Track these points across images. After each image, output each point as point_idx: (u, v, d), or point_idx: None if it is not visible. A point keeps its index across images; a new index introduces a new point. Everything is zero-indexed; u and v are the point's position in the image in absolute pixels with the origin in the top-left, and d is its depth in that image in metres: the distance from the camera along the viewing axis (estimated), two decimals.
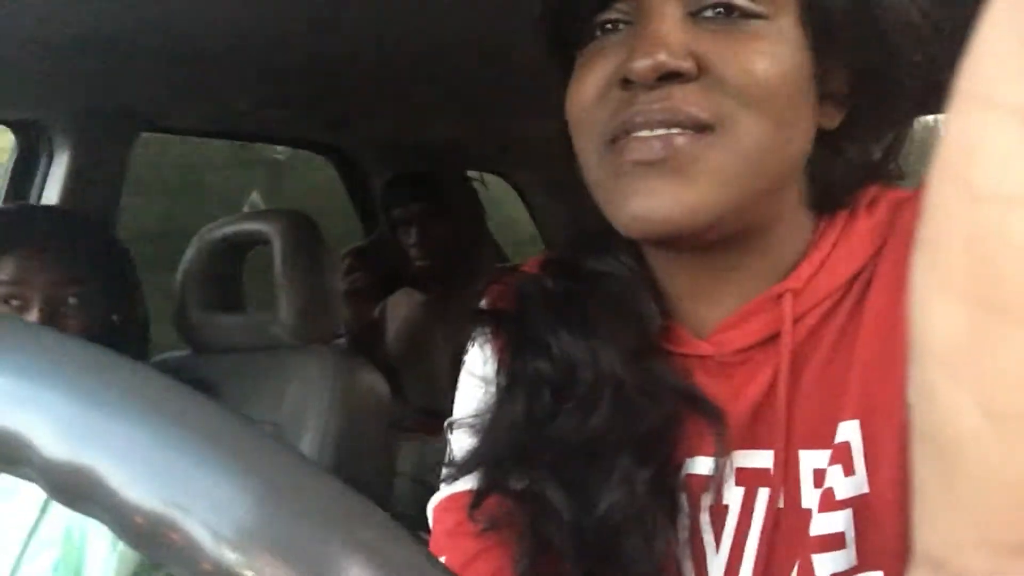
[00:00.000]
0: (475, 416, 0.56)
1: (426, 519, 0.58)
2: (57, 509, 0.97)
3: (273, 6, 1.07)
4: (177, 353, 1.54)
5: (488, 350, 0.59)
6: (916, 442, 0.17)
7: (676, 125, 0.46)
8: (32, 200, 1.49)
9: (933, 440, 0.17)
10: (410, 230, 1.82)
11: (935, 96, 0.50)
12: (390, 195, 1.88)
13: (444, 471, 0.57)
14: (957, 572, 0.17)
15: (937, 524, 0.17)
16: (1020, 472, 0.15)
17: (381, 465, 1.49)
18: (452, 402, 0.61)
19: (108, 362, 0.21)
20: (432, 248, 1.81)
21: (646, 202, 0.47)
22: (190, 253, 1.49)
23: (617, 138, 0.48)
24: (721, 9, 0.47)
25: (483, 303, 0.60)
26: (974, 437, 0.16)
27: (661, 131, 0.46)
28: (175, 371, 1.43)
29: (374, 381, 1.49)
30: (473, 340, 0.60)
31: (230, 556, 0.18)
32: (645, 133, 0.47)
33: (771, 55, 0.46)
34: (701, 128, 0.46)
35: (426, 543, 0.20)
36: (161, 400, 0.20)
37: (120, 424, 0.19)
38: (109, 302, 1.19)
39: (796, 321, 0.50)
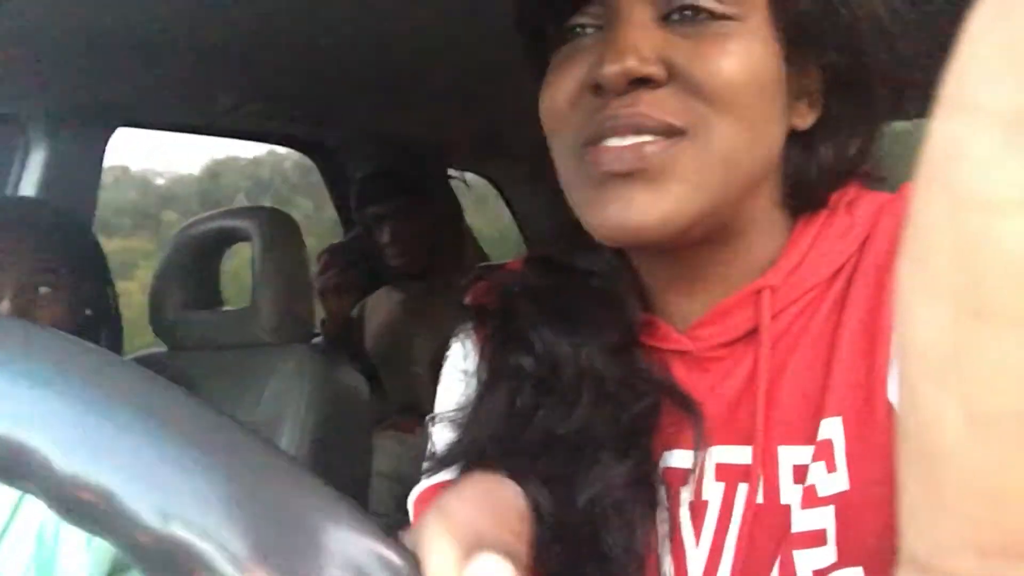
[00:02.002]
0: (457, 410, 0.57)
1: (404, 518, 0.58)
2: (29, 508, 0.96)
3: (254, 1, 1.06)
4: (153, 350, 1.53)
5: (471, 345, 0.59)
6: (900, 444, 0.17)
7: (647, 131, 0.47)
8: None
9: (917, 442, 0.17)
10: (384, 228, 1.80)
11: (909, 97, 0.51)
12: (364, 193, 1.86)
13: (425, 464, 0.57)
14: (943, 574, 0.17)
15: (922, 526, 0.17)
16: (1003, 475, 0.15)
17: (358, 463, 1.48)
18: (431, 400, 0.61)
19: (44, 339, 0.20)
20: (406, 246, 1.80)
21: (620, 211, 0.47)
22: (168, 249, 1.48)
23: (589, 143, 0.48)
24: (690, 11, 0.47)
25: (467, 299, 0.61)
26: (957, 440, 0.16)
27: (632, 138, 0.47)
28: (151, 368, 1.41)
29: (352, 379, 1.49)
30: (456, 335, 0.61)
31: (171, 529, 0.18)
32: (616, 141, 0.47)
33: (741, 56, 0.47)
34: (672, 133, 0.47)
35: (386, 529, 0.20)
36: (99, 375, 0.20)
37: (58, 399, 0.19)
38: (82, 295, 1.19)
39: (774, 317, 0.51)
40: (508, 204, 2.45)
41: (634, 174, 0.46)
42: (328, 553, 0.18)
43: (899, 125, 0.56)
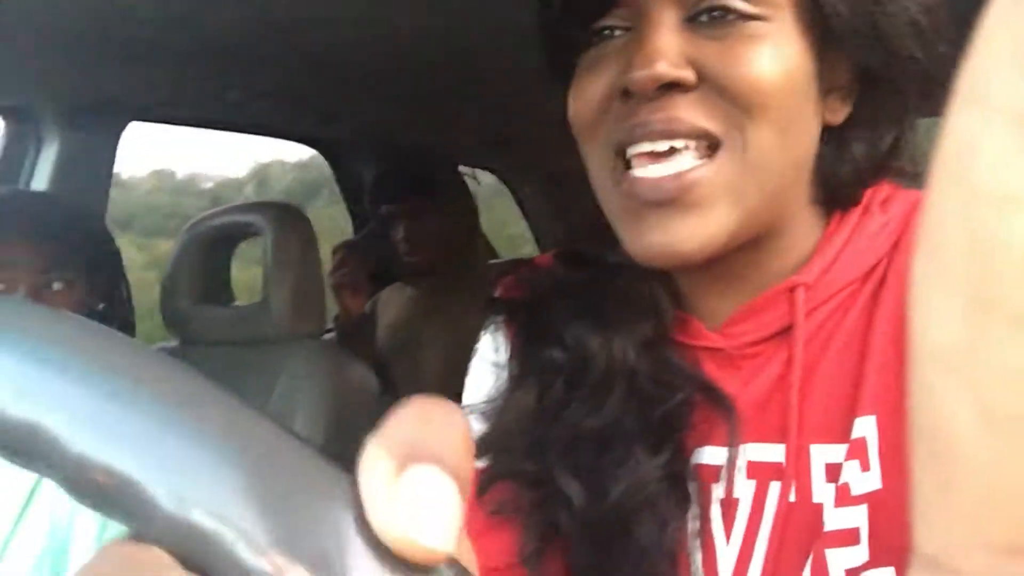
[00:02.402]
0: (487, 402, 0.57)
1: None
2: (42, 501, 0.96)
3: (266, 1, 1.06)
4: (165, 345, 1.53)
5: (501, 337, 0.59)
6: (914, 442, 0.17)
7: (679, 136, 0.46)
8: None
9: (930, 440, 0.17)
10: (399, 226, 1.81)
11: (940, 93, 0.50)
12: (379, 190, 1.87)
13: None
14: (954, 573, 0.17)
15: (934, 525, 0.17)
16: (1016, 473, 0.15)
17: None
18: (443, 397, 0.61)
19: (60, 322, 0.20)
20: (421, 244, 1.80)
21: (661, 239, 0.47)
22: (179, 244, 1.48)
23: (622, 148, 0.48)
24: (718, 12, 0.46)
25: (497, 293, 0.61)
26: (970, 437, 0.16)
27: (664, 143, 0.46)
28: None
29: (363, 376, 1.49)
30: (486, 328, 0.61)
31: (190, 515, 0.18)
32: (648, 146, 0.47)
33: (771, 56, 0.46)
34: (705, 140, 0.46)
35: None
36: (115, 358, 0.20)
37: (73, 381, 0.19)
38: (94, 290, 1.19)
39: (807, 315, 0.50)
40: (519, 202, 2.45)
41: (674, 201, 0.47)
42: (351, 540, 0.18)
43: (933, 121, 0.55)
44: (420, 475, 0.18)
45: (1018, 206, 0.14)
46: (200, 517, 0.18)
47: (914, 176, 0.53)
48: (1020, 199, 0.14)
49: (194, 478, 0.18)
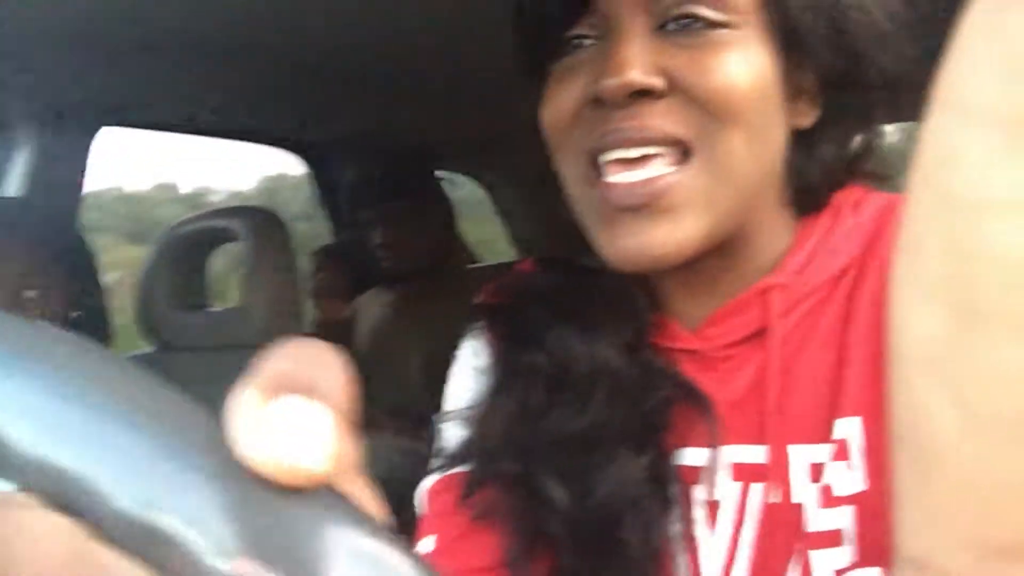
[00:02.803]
0: (469, 407, 0.57)
1: (394, 521, 0.58)
2: None
3: (241, 1, 1.06)
4: (141, 351, 1.52)
5: (482, 343, 0.60)
6: (895, 444, 0.17)
7: (651, 143, 0.47)
8: None
9: (912, 442, 0.17)
10: (376, 230, 1.80)
11: (908, 97, 0.51)
12: (356, 195, 1.86)
13: (435, 461, 0.57)
14: (939, 573, 0.17)
15: (918, 526, 0.17)
16: (997, 474, 0.15)
17: None
18: (422, 403, 0.61)
19: (7, 323, 0.20)
20: (398, 249, 1.80)
21: (635, 244, 0.48)
22: (156, 249, 1.47)
23: (595, 154, 0.49)
24: (686, 21, 0.47)
25: (478, 299, 0.62)
26: (952, 439, 0.16)
27: (637, 150, 0.47)
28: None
29: None
30: (467, 334, 0.61)
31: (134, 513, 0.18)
32: (621, 153, 0.47)
33: (739, 63, 0.47)
34: (677, 147, 0.47)
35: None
36: (69, 359, 0.19)
37: (21, 382, 0.19)
38: (70, 297, 1.18)
39: (782, 317, 0.51)
40: (497, 206, 2.45)
41: (647, 207, 0.47)
42: (323, 544, 0.18)
43: (903, 125, 0.56)
44: (288, 403, 0.18)
45: (995, 211, 0.14)
46: (161, 517, 0.18)
47: (884, 180, 0.54)
48: (997, 204, 0.14)
49: (154, 478, 0.18)
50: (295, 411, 0.18)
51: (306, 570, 0.18)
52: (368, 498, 0.20)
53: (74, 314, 1.19)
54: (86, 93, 1.44)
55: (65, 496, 0.18)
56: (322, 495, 0.18)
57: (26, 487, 0.18)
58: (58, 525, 0.18)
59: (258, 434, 0.18)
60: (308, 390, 0.18)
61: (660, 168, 0.47)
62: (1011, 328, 0.15)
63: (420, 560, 0.19)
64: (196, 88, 1.50)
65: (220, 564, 0.17)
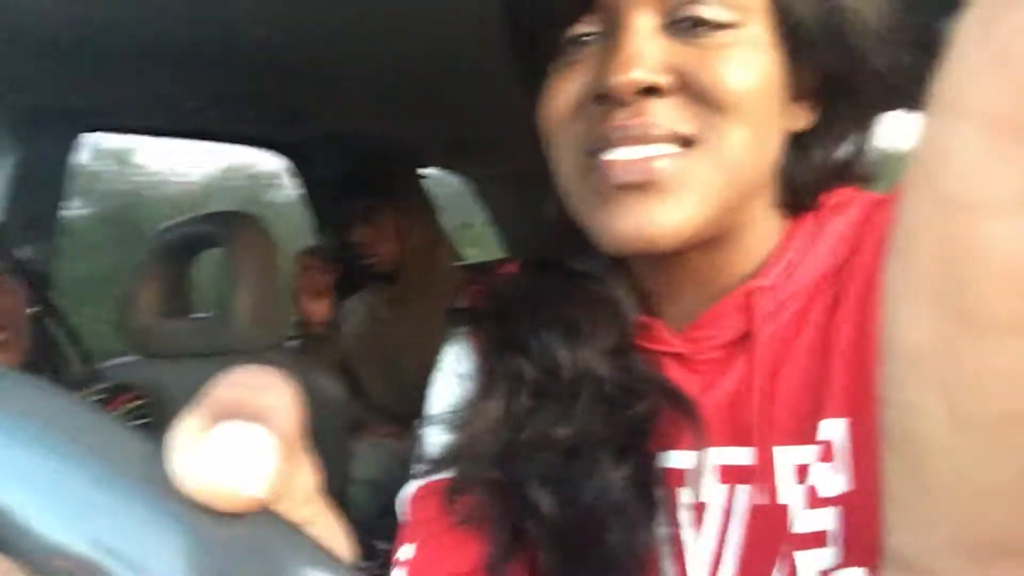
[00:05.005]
0: (453, 412, 0.57)
1: (381, 525, 0.57)
2: None
3: (221, 3, 1.05)
4: (125, 359, 1.51)
5: (466, 348, 0.59)
6: (885, 444, 0.17)
7: (656, 141, 0.47)
8: None
9: (902, 443, 0.17)
10: (354, 230, 1.79)
11: (900, 99, 0.51)
12: (333, 195, 1.84)
13: (418, 467, 0.57)
14: (926, 574, 0.17)
15: (907, 526, 0.17)
16: (989, 476, 0.15)
17: (335, 469, 1.47)
18: (414, 404, 0.61)
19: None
20: (378, 248, 1.79)
21: (631, 222, 0.47)
22: (141, 257, 1.46)
23: (596, 152, 0.48)
24: (692, 22, 0.47)
25: (462, 303, 0.61)
26: (943, 441, 0.16)
27: (640, 148, 0.47)
28: (122, 376, 1.40)
29: (328, 384, 1.47)
30: (450, 338, 0.61)
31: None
32: (624, 152, 0.47)
33: (744, 64, 0.47)
34: (682, 142, 0.47)
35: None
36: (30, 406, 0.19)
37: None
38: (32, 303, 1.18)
39: (768, 319, 0.51)
40: (484, 204, 2.45)
41: (646, 185, 0.47)
42: (259, 569, 0.18)
43: (884, 125, 0.57)
44: (229, 429, 0.18)
45: (989, 212, 0.14)
46: (106, 558, 0.17)
47: (869, 180, 0.55)
48: (991, 205, 0.14)
49: (98, 515, 0.18)
50: (235, 437, 0.18)
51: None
52: (326, 522, 0.20)
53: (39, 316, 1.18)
54: (68, 97, 1.43)
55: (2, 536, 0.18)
56: (259, 520, 0.18)
57: None
58: None
59: (196, 460, 0.18)
60: (252, 416, 0.18)
61: (662, 149, 0.47)
62: (1004, 328, 0.15)
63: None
64: (176, 91, 1.49)
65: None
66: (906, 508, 0.17)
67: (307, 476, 0.20)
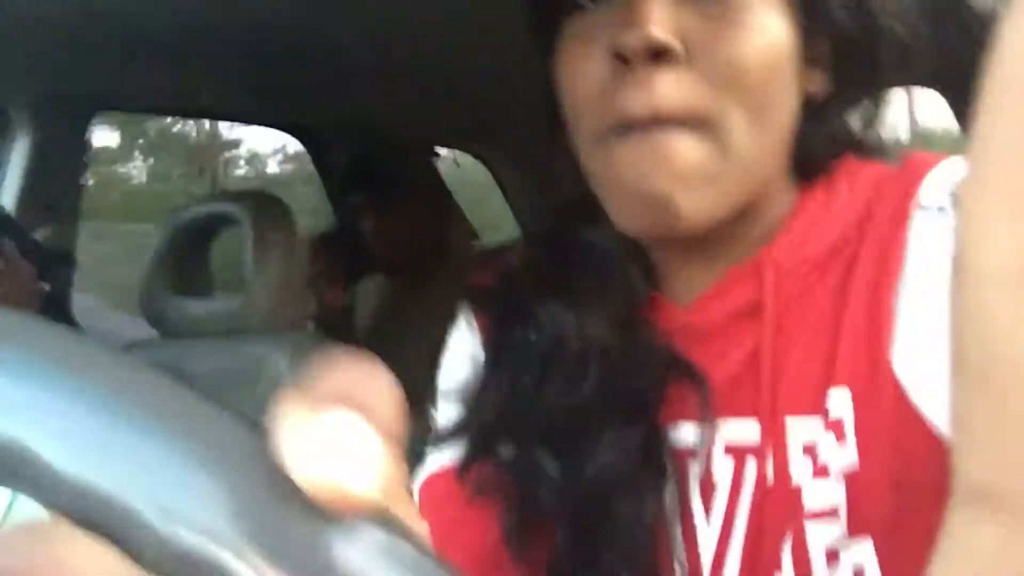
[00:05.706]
0: (462, 387, 0.57)
1: None
2: (20, 511, 0.95)
3: None
4: (145, 338, 1.51)
5: (473, 326, 0.60)
6: (958, 373, 0.17)
7: (670, 119, 0.46)
8: None
9: (980, 367, 0.16)
10: (366, 217, 1.76)
11: (912, 68, 0.51)
12: (344, 181, 1.82)
13: (431, 441, 0.57)
14: (1003, 501, 0.16)
15: (981, 448, 0.17)
16: None
17: None
18: (426, 389, 0.61)
19: (32, 328, 0.19)
20: (389, 235, 1.76)
21: (649, 211, 0.48)
22: (159, 236, 1.46)
23: (614, 134, 0.48)
24: None
25: (470, 281, 0.61)
26: None
27: (656, 128, 0.46)
28: (142, 356, 1.40)
29: None
30: (458, 317, 0.61)
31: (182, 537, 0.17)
32: (641, 138, 0.47)
33: (758, 30, 0.47)
34: (695, 122, 0.47)
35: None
36: (95, 366, 0.18)
37: (51, 392, 0.17)
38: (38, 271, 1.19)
39: (777, 289, 0.50)
40: (499, 184, 2.43)
41: (664, 178, 0.47)
42: (350, 548, 0.17)
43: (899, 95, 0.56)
44: (338, 418, 0.17)
45: None
46: (190, 536, 0.17)
47: (879, 150, 0.54)
48: None
49: (183, 495, 0.17)
50: (345, 429, 0.17)
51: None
52: (415, 522, 0.19)
53: (44, 287, 1.19)
54: (85, 79, 1.43)
55: (106, 524, 0.17)
56: (376, 523, 0.18)
57: (60, 512, 0.17)
58: (98, 556, 0.17)
59: (308, 452, 0.17)
60: (358, 407, 0.17)
61: (680, 139, 0.47)
62: None
63: None
64: (193, 73, 1.49)
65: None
66: (980, 431, 0.17)
67: (402, 474, 0.19)
